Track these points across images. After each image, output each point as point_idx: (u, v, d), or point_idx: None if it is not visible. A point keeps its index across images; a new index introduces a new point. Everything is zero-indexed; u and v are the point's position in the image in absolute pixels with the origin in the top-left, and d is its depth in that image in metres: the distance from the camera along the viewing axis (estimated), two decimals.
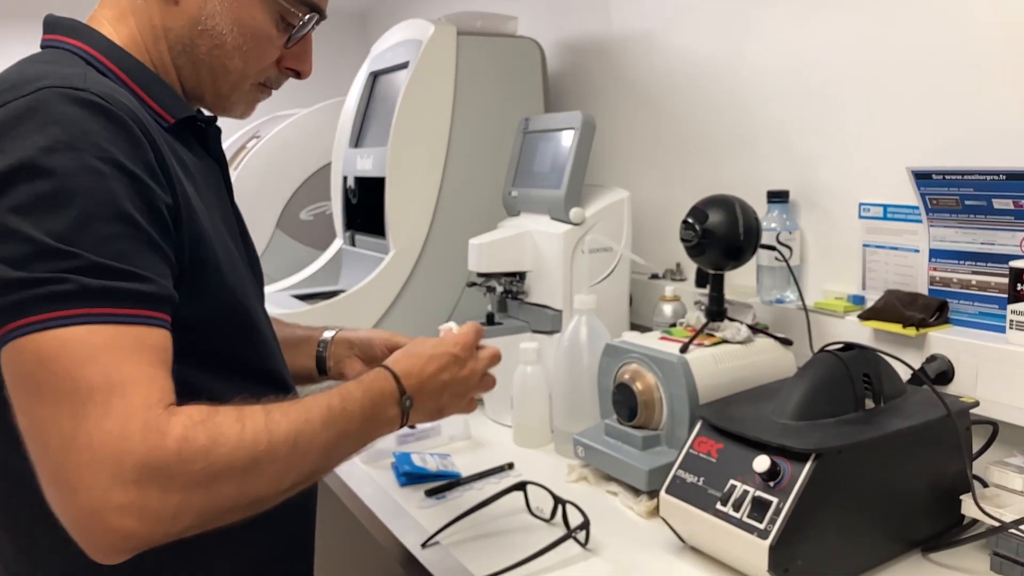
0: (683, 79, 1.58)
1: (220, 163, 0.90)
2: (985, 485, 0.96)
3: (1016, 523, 0.85)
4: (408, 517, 1.09)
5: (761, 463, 0.85)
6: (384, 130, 1.67)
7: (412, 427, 1.09)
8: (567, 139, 1.43)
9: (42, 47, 0.81)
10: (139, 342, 0.65)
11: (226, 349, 0.80)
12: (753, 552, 0.84)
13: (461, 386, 0.91)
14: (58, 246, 0.63)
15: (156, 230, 0.69)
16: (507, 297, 1.47)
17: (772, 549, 0.82)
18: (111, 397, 0.62)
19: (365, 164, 1.73)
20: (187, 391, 0.68)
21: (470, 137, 1.66)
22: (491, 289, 1.45)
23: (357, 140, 1.83)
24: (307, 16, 0.85)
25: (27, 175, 0.64)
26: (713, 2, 1.51)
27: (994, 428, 1.03)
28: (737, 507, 0.87)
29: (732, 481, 0.89)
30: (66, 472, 0.61)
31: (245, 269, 0.85)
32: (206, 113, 0.89)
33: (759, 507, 0.85)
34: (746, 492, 0.87)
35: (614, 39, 1.75)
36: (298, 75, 0.90)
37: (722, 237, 1.14)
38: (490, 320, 1.45)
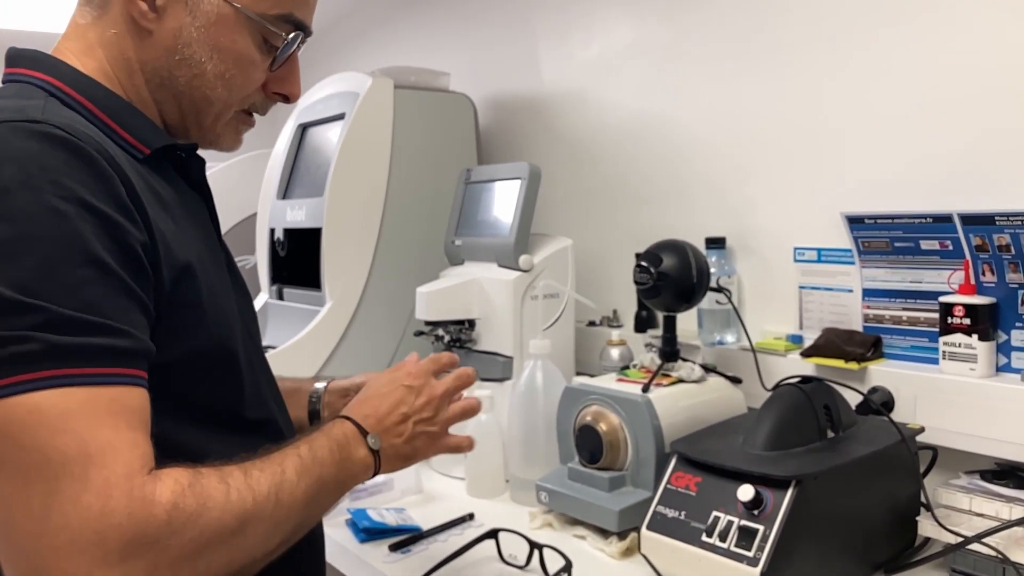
0: (615, 132, 1.65)
1: (204, 195, 0.85)
2: (931, 508, 1.02)
3: (976, 538, 0.90)
4: (377, 573, 1.04)
5: (745, 492, 0.88)
6: (317, 181, 1.65)
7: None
8: (513, 188, 1.45)
9: (3, 82, 0.76)
10: (115, 403, 0.60)
11: (206, 396, 0.75)
12: None
13: (424, 416, 0.87)
14: (19, 298, 0.57)
15: (130, 273, 0.64)
16: (454, 346, 1.46)
17: None
18: (88, 469, 0.57)
19: (296, 215, 1.70)
20: (164, 445, 0.63)
21: (408, 188, 1.66)
22: (439, 338, 1.44)
23: (286, 192, 1.79)
24: (291, 35, 0.79)
25: None
26: (640, 61, 1.59)
27: (934, 453, 1.11)
28: (723, 537, 0.89)
29: (715, 512, 0.91)
30: (39, 558, 0.55)
31: (233, 308, 0.80)
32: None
33: (746, 536, 0.87)
34: (731, 522, 0.89)
35: (545, 95, 1.81)
36: (286, 99, 0.86)
37: (676, 280, 1.19)
38: None
